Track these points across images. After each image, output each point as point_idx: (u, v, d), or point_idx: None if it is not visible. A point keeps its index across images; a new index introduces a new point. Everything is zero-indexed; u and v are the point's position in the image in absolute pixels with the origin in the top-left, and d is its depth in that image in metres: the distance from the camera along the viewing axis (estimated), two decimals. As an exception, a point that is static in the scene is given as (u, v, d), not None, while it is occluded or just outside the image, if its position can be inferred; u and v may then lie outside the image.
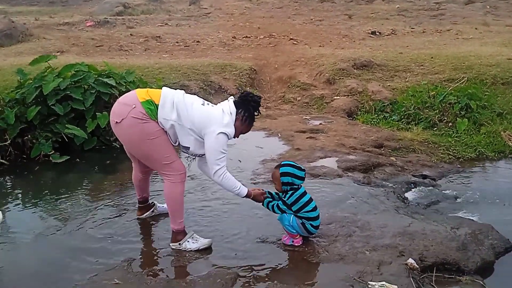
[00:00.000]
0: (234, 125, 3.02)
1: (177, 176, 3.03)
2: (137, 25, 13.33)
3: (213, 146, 2.94)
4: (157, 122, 2.93)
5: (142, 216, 3.58)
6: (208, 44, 10.94)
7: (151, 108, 2.91)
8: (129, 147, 3.10)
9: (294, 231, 3.09)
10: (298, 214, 3.08)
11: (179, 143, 3.03)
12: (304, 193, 3.11)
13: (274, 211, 3.14)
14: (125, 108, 2.92)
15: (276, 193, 3.23)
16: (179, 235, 3.13)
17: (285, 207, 3.09)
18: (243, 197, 3.12)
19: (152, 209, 3.60)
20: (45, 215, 3.74)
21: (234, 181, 3.05)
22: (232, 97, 3.19)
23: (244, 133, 3.17)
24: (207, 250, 3.10)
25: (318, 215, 3.13)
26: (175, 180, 3.03)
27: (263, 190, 3.26)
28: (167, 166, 3.01)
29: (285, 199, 3.09)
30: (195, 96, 3.17)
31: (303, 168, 3.15)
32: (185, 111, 2.94)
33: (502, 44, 9.62)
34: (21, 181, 4.56)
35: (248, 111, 3.07)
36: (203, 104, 3.06)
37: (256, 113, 3.12)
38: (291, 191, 3.08)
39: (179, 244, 3.12)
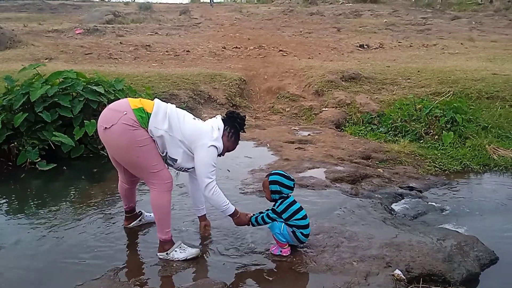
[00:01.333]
0: (225, 142, 3.11)
1: (163, 185, 3.01)
2: (127, 34, 13.34)
3: (204, 159, 2.97)
4: (147, 130, 2.93)
5: (130, 225, 3.55)
6: (198, 54, 10.99)
7: (143, 116, 2.90)
8: (116, 153, 3.06)
9: (284, 240, 3.10)
10: (289, 222, 3.08)
11: (166, 154, 3.03)
12: (294, 202, 3.13)
13: (264, 222, 3.14)
14: (116, 114, 2.89)
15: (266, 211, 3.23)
16: (166, 244, 3.11)
17: (275, 216, 3.10)
18: (229, 215, 3.15)
19: (139, 218, 3.58)
20: (31, 224, 3.68)
21: (223, 197, 3.08)
22: (219, 115, 3.26)
23: (229, 151, 3.24)
24: (195, 259, 3.08)
25: (308, 223, 3.14)
26: (161, 189, 3.02)
27: (249, 213, 3.26)
28: (154, 175, 2.99)
29: (274, 207, 3.10)
30: (185, 111, 3.21)
31: (292, 178, 3.17)
32: (177, 123, 2.97)
33: (487, 59, 9.83)
34: (6, 188, 4.49)
35: (234, 128, 3.16)
36: (194, 119, 3.13)
37: (241, 131, 3.22)
38: (281, 200, 3.09)
39: (167, 253, 3.09)
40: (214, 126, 3.09)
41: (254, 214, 3.23)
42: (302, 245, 3.20)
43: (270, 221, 3.13)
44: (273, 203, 3.15)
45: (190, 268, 3.00)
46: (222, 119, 3.17)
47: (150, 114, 2.92)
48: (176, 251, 3.09)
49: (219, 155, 3.13)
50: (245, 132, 3.32)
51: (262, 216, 3.15)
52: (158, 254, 3.12)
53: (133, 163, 3.01)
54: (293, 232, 3.08)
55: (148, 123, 2.91)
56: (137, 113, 2.90)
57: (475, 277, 3.07)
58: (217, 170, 4.76)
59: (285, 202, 3.09)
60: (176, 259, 3.06)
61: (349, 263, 3.01)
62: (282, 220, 3.09)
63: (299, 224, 3.09)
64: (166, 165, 3.08)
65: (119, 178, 3.39)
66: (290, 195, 3.14)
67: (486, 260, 3.22)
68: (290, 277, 2.92)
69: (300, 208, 3.12)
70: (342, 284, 2.77)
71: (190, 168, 3.11)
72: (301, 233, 3.09)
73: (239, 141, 3.28)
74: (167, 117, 2.95)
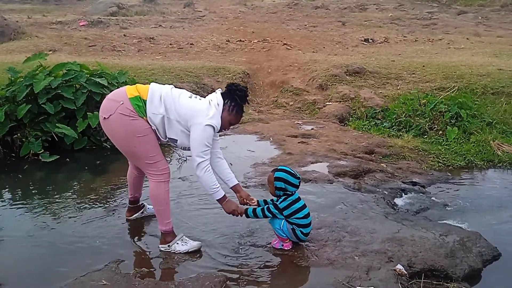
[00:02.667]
0: (222, 116, 3.00)
1: (161, 176, 3.03)
2: (130, 26, 13.30)
3: (198, 138, 2.92)
4: (146, 119, 2.93)
5: (131, 217, 3.55)
6: (201, 47, 10.95)
7: (139, 104, 2.91)
8: (116, 143, 3.08)
9: (284, 235, 3.09)
10: (289, 220, 3.07)
11: (167, 139, 3.03)
12: (298, 199, 3.10)
13: (264, 215, 3.13)
14: (113, 104, 2.92)
15: (271, 200, 3.20)
16: (168, 236, 3.11)
17: (276, 211, 3.08)
18: (217, 199, 3.08)
19: (141, 211, 3.58)
20: (34, 215, 3.69)
21: (214, 180, 3.01)
22: (220, 89, 3.18)
23: (233, 124, 3.15)
24: (196, 252, 3.09)
25: (310, 222, 3.12)
26: (159, 180, 3.03)
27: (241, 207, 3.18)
28: (151, 165, 3.01)
29: (277, 203, 3.08)
30: (183, 89, 3.15)
31: (298, 175, 3.12)
32: (172, 104, 2.93)
33: (493, 54, 9.75)
34: (9, 180, 4.50)
35: (234, 101, 3.05)
36: (190, 97, 3.04)
37: (243, 103, 3.10)
38: (284, 196, 3.07)
39: (168, 246, 3.10)
40: (212, 102, 3.00)
41: (248, 207, 3.17)
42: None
43: (270, 215, 3.11)
44: (277, 198, 3.13)
45: (191, 261, 3.00)
46: (222, 93, 3.08)
47: (146, 101, 2.92)
48: (178, 243, 3.09)
49: (222, 129, 3.08)
50: (248, 104, 3.20)
51: (262, 208, 3.12)
52: (159, 246, 3.13)
53: (131, 152, 3.04)
54: (293, 229, 3.06)
55: (145, 111, 2.91)
56: (134, 102, 2.90)
57: (477, 273, 3.07)
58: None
59: (289, 199, 3.06)
60: (178, 252, 3.07)
61: (350, 257, 3.01)
62: (283, 217, 3.08)
63: (299, 223, 3.07)
64: (163, 156, 3.08)
65: (129, 165, 3.39)
66: (295, 192, 3.11)
67: (488, 256, 3.22)
68: (292, 271, 2.92)
69: (303, 207, 3.10)
70: (344, 279, 2.77)
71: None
72: (301, 231, 3.08)
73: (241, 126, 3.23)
74: (162, 101, 2.92)
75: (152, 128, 2.96)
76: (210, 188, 3.01)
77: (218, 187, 3.03)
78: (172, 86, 3.09)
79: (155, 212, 3.15)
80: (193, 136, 2.93)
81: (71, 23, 13.38)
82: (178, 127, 2.96)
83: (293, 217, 3.06)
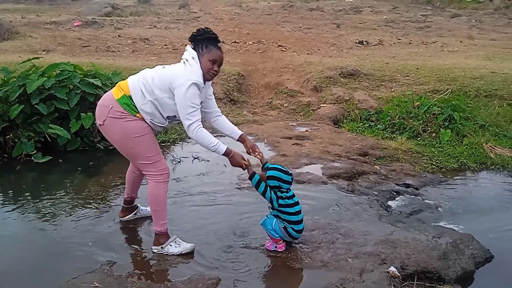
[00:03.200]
0: (202, 64, 2.92)
1: (160, 176, 3.02)
2: (125, 27, 13.26)
3: (182, 100, 2.84)
4: (139, 116, 2.92)
5: (124, 218, 3.54)
6: (196, 48, 10.92)
7: (127, 103, 2.90)
8: (116, 146, 3.08)
9: (277, 235, 3.09)
10: (281, 216, 3.05)
11: (166, 117, 2.98)
12: (292, 196, 3.10)
13: (264, 193, 3.06)
14: (104, 109, 2.94)
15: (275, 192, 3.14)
16: (161, 237, 3.10)
17: (274, 196, 3.05)
18: (222, 154, 2.98)
19: (135, 212, 3.57)
20: (26, 216, 3.67)
21: (211, 137, 2.94)
22: (188, 45, 3.07)
23: (216, 62, 2.96)
24: (189, 254, 3.08)
25: (302, 219, 3.12)
26: (158, 180, 3.02)
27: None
28: (150, 165, 3.00)
29: (281, 201, 3.06)
30: (156, 66, 3.10)
31: (290, 172, 3.14)
32: (151, 85, 2.90)
33: (486, 57, 9.81)
34: (1, 181, 4.47)
35: (207, 42, 2.96)
36: (163, 67, 3.02)
37: (214, 37, 2.98)
38: (284, 194, 3.07)
39: (161, 247, 3.08)
40: (187, 60, 2.94)
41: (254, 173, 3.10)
42: (296, 241, 3.19)
43: (268, 197, 3.05)
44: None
45: (184, 263, 2.99)
46: (192, 47, 3.00)
47: (131, 96, 2.91)
48: (171, 245, 3.08)
49: (209, 76, 2.97)
50: (221, 42, 3.06)
51: (266, 186, 3.05)
52: (152, 247, 3.11)
53: (130, 154, 3.04)
54: (285, 228, 3.06)
55: (135, 106, 2.90)
56: (122, 102, 2.90)
57: (470, 275, 3.08)
58: (214, 166, 4.81)
59: (287, 200, 3.09)
60: (171, 253, 3.06)
61: (344, 259, 3.01)
62: (276, 207, 3.05)
63: (290, 219, 3.06)
64: (162, 156, 3.06)
65: (130, 164, 3.36)
66: (289, 190, 3.11)
67: (481, 258, 3.23)
68: (285, 273, 2.92)
69: (296, 203, 3.10)
70: (337, 281, 2.77)
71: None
72: (293, 228, 3.07)
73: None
74: (143, 88, 2.90)
75: (148, 122, 2.94)
76: (209, 146, 2.94)
77: (217, 143, 2.94)
78: (145, 69, 3.04)
79: (152, 213, 3.12)
80: (177, 100, 2.87)
81: (65, 23, 13.32)
82: (168, 102, 2.91)
83: (283, 211, 3.04)
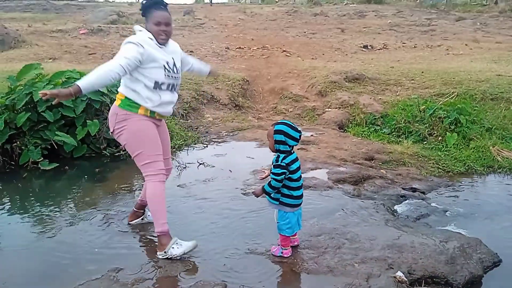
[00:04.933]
0: (151, 31, 3.01)
1: (156, 176, 3.09)
2: (130, 34, 13.35)
3: (118, 53, 2.94)
4: (142, 113, 3.02)
5: (132, 222, 3.57)
6: (201, 54, 10.99)
7: (128, 103, 3.03)
8: (125, 148, 3.20)
9: (292, 232, 3.05)
10: (285, 182, 2.99)
11: (158, 90, 3.05)
12: (296, 159, 3.01)
13: (274, 184, 2.99)
14: (112, 118, 3.11)
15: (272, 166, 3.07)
16: (163, 238, 3.10)
17: (281, 170, 2.93)
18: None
19: (141, 217, 3.59)
20: (33, 223, 3.68)
21: (96, 73, 2.82)
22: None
23: (162, 22, 3.00)
24: (194, 260, 3.07)
25: (302, 184, 3.05)
26: (154, 180, 3.09)
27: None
28: (147, 165, 3.09)
29: (279, 161, 2.96)
30: None
31: (299, 129, 3.02)
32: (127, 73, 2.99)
33: (491, 60, 9.78)
34: (9, 188, 4.50)
35: (149, 8, 3.02)
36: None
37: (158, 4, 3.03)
38: (284, 155, 2.98)
39: (165, 252, 3.08)
40: (136, 30, 3.11)
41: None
42: (303, 244, 3.17)
43: (283, 177, 2.96)
44: (274, 159, 3.03)
45: (190, 268, 2.99)
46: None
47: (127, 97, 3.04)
48: (173, 247, 3.09)
49: (160, 37, 3.01)
50: (165, 4, 3.08)
51: (274, 178, 2.97)
52: (158, 253, 3.12)
53: (131, 152, 3.14)
54: (281, 200, 3.00)
55: (137, 102, 3.02)
56: (123, 106, 3.04)
57: (478, 279, 3.04)
58: (219, 171, 4.82)
59: (289, 158, 2.97)
60: (175, 256, 3.06)
61: (350, 264, 2.99)
62: (289, 172, 2.96)
63: (291, 186, 2.99)
64: (161, 156, 3.14)
65: None
66: (293, 152, 3.03)
67: (489, 262, 3.20)
68: (291, 278, 2.91)
69: (298, 168, 3.01)
70: (343, 286, 2.76)
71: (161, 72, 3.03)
72: (291, 195, 2.99)
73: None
74: (127, 82, 3.02)
75: (151, 109, 3.03)
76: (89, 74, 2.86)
77: (87, 78, 2.80)
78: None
79: (151, 213, 3.18)
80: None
81: (71, 31, 13.44)
82: (141, 71, 2.99)
83: (289, 176, 2.97)
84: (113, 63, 2.87)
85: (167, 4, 3.09)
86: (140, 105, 3.03)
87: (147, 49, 2.96)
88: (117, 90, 3.19)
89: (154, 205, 3.11)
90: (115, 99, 3.15)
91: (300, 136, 3.00)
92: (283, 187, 3.00)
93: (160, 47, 3.05)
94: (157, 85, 3.03)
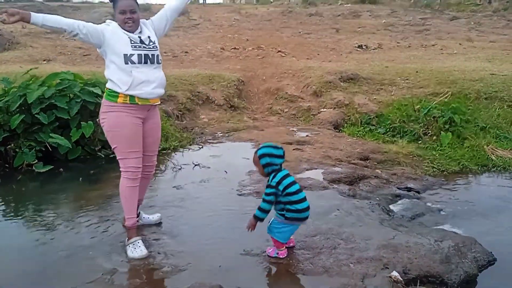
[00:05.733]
0: (118, 20, 3.07)
1: (128, 173, 3.13)
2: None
3: None
4: (121, 101, 3.04)
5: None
6: (196, 55, 10.98)
7: (108, 93, 3.08)
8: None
9: (285, 240, 3.05)
10: (282, 199, 2.99)
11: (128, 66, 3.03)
12: (287, 175, 3.02)
13: (266, 203, 2.98)
14: (100, 109, 3.19)
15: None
16: (129, 232, 3.23)
17: (272, 190, 2.96)
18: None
19: (137, 219, 3.56)
20: (27, 226, 3.67)
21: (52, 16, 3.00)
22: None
23: (126, 10, 3.04)
24: (190, 262, 3.06)
25: (305, 197, 3.04)
26: (123, 175, 3.15)
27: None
28: (121, 161, 3.15)
29: (269, 182, 2.99)
30: None
31: (280, 146, 3.06)
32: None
33: (485, 59, 9.82)
34: (3, 190, 4.47)
35: None
36: None
37: None
38: (273, 173, 3.00)
39: (125, 245, 3.21)
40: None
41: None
42: (299, 245, 3.17)
43: (273, 198, 2.98)
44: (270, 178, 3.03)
45: (185, 270, 2.98)
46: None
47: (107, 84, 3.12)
48: (129, 246, 3.17)
49: (125, 24, 3.06)
50: None
51: (264, 199, 2.98)
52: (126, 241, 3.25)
53: (111, 145, 3.20)
54: (286, 215, 2.99)
55: (115, 91, 3.05)
56: (107, 97, 3.10)
57: (472, 278, 3.06)
58: (215, 172, 4.82)
59: (279, 175, 2.98)
60: (128, 255, 3.13)
61: (346, 265, 3.00)
62: (280, 192, 2.97)
63: (291, 200, 2.98)
64: (135, 154, 3.14)
65: None
66: (283, 168, 3.05)
67: (483, 261, 3.21)
68: (287, 279, 2.91)
69: (294, 182, 3.03)
70: (339, 286, 2.76)
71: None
72: (294, 210, 2.98)
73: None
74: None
75: (128, 94, 3.02)
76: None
77: (43, 15, 2.94)
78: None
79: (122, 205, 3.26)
80: None
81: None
82: (105, 51, 3.07)
83: (285, 192, 2.97)
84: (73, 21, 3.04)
85: None
86: (118, 93, 3.02)
87: (112, 27, 3.06)
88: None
89: (121, 198, 3.21)
90: None
91: (283, 152, 3.04)
92: (286, 204, 3.00)
93: (126, 32, 3.07)
94: (127, 58, 3.00)
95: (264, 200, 2.99)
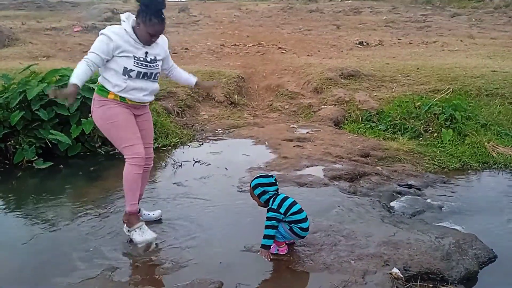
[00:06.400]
0: (141, 32, 3.04)
1: (133, 159, 3.15)
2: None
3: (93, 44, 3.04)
4: (112, 97, 3.09)
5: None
6: (196, 52, 10.96)
7: (100, 88, 3.12)
8: (101, 131, 3.29)
9: (281, 238, 3.07)
10: (286, 219, 3.05)
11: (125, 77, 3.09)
12: (286, 197, 3.09)
13: (270, 228, 3.03)
14: (92, 104, 3.23)
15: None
16: (131, 217, 3.25)
17: (274, 214, 3.02)
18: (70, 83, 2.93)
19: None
20: (27, 222, 3.66)
21: (80, 70, 2.95)
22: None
23: (152, 34, 3.05)
24: (191, 258, 3.06)
25: (306, 217, 3.09)
26: (131, 162, 3.16)
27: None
28: (124, 149, 3.17)
29: (269, 205, 3.06)
30: None
31: (270, 175, 3.18)
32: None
33: (486, 56, 9.80)
34: (3, 187, 4.47)
35: (144, 12, 3.01)
36: None
37: (157, 9, 3.03)
38: (272, 198, 3.07)
39: (129, 231, 3.26)
40: (122, 19, 3.12)
41: None
42: (300, 240, 3.17)
43: (274, 223, 3.02)
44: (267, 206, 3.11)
45: (186, 267, 2.98)
46: (137, 11, 3.08)
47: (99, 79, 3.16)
48: (136, 231, 3.21)
49: (144, 40, 3.07)
50: (164, 7, 3.08)
51: (266, 225, 3.04)
52: (124, 226, 3.32)
53: (110, 138, 3.24)
54: (291, 229, 3.05)
55: (106, 88, 3.10)
56: (98, 92, 3.14)
57: (473, 275, 3.05)
58: (215, 169, 4.81)
59: (278, 198, 3.06)
60: (134, 240, 3.19)
61: (346, 261, 2.99)
62: (282, 216, 3.04)
63: (296, 219, 3.05)
64: (138, 139, 3.19)
65: None
66: (279, 193, 3.11)
67: (484, 258, 3.21)
68: (287, 276, 2.90)
69: (294, 202, 3.09)
70: (340, 283, 2.76)
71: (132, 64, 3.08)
72: (300, 227, 3.05)
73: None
74: (100, 69, 3.11)
75: (120, 95, 3.08)
76: (73, 73, 2.97)
77: (76, 75, 2.92)
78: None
79: (125, 193, 3.25)
80: None
81: (65, 29, 13.37)
82: (109, 62, 3.07)
83: (289, 213, 3.03)
84: (88, 60, 2.97)
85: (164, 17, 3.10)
86: (109, 90, 3.09)
87: (116, 42, 3.01)
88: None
89: (126, 186, 3.21)
90: None
91: (275, 179, 3.14)
92: (292, 223, 3.04)
93: (137, 43, 3.08)
94: (126, 71, 3.06)
95: (266, 227, 3.04)
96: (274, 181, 3.13)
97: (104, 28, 3.11)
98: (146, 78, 3.16)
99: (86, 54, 3.03)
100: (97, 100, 3.16)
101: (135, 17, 3.08)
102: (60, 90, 2.94)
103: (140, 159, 3.16)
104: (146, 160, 3.33)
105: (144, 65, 3.12)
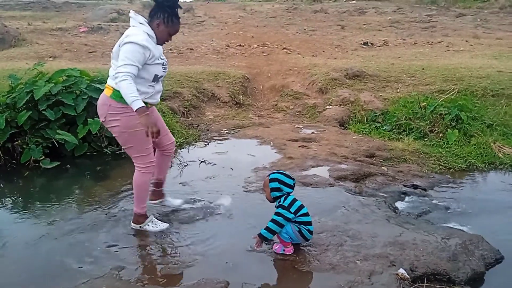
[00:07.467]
0: (158, 29, 3.11)
1: (149, 168, 3.30)
2: (130, 32, 13.31)
3: (121, 55, 2.99)
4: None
5: (155, 201, 3.74)
6: (201, 52, 10.97)
7: (119, 95, 3.00)
8: (116, 137, 3.31)
9: (288, 238, 3.07)
10: (296, 219, 3.06)
11: (150, 85, 3.15)
12: (296, 199, 3.12)
13: (278, 225, 3.02)
14: (103, 108, 3.16)
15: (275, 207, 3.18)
16: (140, 218, 3.42)
17: (284, 211, 3.03)
18: (136, 109, 2.89)
19: (161, 199, 3.79)
20: (34, 222, 3.69)
21: (132, 90, 2.89)
22: (132, 11, 3.27)
23: (172, 34, 3.19)
24: (197, 258, 3.08)
25: (311, 221, 3.13)
26: (144, 171, 3.28)
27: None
28: (138, 158, 3.26)
29: (281, 202, 3.07)
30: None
31: (292, 177, 3.17)
32: (116, 65, 3.04)
33: (492, 56, 9.75)
34: (10, 186, 4.51)
35: (166, 12, 3.10)
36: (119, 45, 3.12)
37: (175, 8, 3.15)
38: (283, 196, 3.09)
39: (140, 226, 3.41)
40: (134, 24, 3.11)
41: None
42: (306, 243, 3.18)
43: (282, 219, 3.02)
44: (277, 203, 3.13)
45: (192, 266, 2.99)
46: (152, 10, 3.14)
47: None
48: (148, 225, 3.42)
49: (162, 42, 3.19)
50: (181, 8, 3.23)
51: (273, 219, 3.04)
52: (132, 224, 3.46)
53: (125, 145, 3.26)
54: (299, 231, 3.06)
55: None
56: (114, 97, 3.08)
57: (480, 276, 3.05)
58: (220, 169, 4.82)
59: (289, 198, 3.09)
60: (149, 231, 3.39)
61: (352, 262, 3.00)
62: (292, 215, 3.05)
63: (304, 221, 3.07)
64: (151, 149, 3.30)
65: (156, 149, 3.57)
66: (290, 194, 3.12)
67: (491, 259, 3.20)
68: (293, 276, 2.91)
69: (303, 205, 3.12)
70: (346, 283, 2.76)
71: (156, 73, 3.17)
72: (307, 230, 3.08)
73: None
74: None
75: (141, 98, 3.01)
76: (127, 96, 2.90)
77: (135, 97, 2.88)
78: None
79: (134, 197, 3.39)
80: (119, 54, 3.02)
81: (71, 30, 13.42)
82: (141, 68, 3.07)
83: (298, 214, 3.06)
84: (130, 74, 2.93)
85: None
86: None
87: (151, 49, 3.05)
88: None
89: (137, 192, 3.35)
90: None
91: (294, 183, 3.15)
92: (301, 224, 3.07)
93: (157, 45, 3.19)
94: (156, 78, 3.17)
95: (273, 221, 3.05)
96: (292, 184, 3.14)
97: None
98: (161, 79, 3.27)
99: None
100: (114, 106, 3.08)
101: (150, 17, 3.13)
102: (150, 126, 2.91)
103: (152, 168, 3.33)
104: (170, 145, 3.52)
105: (165, 69, 3.24)
